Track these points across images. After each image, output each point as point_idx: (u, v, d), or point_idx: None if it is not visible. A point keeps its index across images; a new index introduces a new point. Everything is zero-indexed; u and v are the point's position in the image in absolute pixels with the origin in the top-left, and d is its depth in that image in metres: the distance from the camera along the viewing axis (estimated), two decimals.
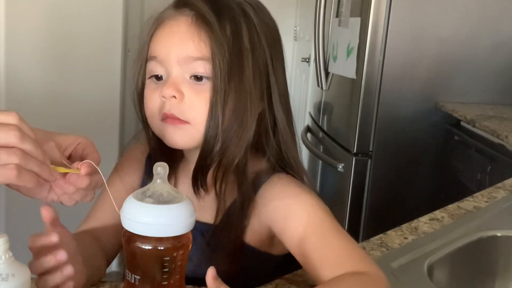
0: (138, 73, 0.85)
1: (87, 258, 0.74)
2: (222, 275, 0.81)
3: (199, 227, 0.82)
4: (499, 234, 0.99)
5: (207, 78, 0.77)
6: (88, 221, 0.87)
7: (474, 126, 1.92)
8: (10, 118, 0.63)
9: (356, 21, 2.22)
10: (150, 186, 0.62)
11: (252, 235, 0.82)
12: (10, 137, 0.61)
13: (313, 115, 2.98)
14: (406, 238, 0.93)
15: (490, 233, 0.98)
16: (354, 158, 2.21)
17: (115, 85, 2.40)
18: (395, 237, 0.94)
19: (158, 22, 0.82)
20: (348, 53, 2.27)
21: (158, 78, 0.80)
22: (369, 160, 2.21)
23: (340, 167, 2.30)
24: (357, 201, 2.22)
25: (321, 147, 2.69)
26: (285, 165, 0.85)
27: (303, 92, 3.37)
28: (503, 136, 1.73)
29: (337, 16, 2.48)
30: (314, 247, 0.75)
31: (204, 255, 0.81)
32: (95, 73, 2.35)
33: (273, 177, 0.83)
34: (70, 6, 2.26)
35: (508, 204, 1.13)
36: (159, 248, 0.60)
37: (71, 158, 0.72)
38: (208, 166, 0.80)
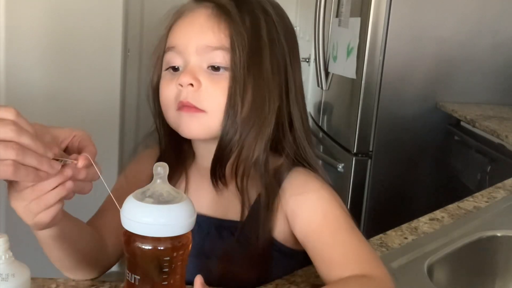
0: (154, 66, 0.85)
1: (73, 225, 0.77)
2: (253, 273, 0.81)
3: (227, 226, 0.82)
4: (499, 234, 0.99)
5: (224, 68, 0.78)
6: (92, 221, 0.87)
7: (474, 126, 1.91)
8: (7, 114, 0.62)
9: (356, 21, 2.22)
10: (150, 186, 0.62)
11: (279, 231, 0.82)
12: (7, 132, 0.61)
13: (313, 115, 2.97)
14: (406, 238, 0.93)
15: (490, 233, 0.98)
16: (354, 158, 2.21)
17: (115, 85, 2.40)
18: (395, 237, 0.93)
19: (177, 14, 0.83)
20: (348, 53, 2.27)
21: (175, 69, 0.81)
22: (369, 160, 2.20)
23: (340, 167, 2.29)
24: (357, 201, 2.22)
25: (321, 147, 2.69)
26: (302, 160, 0.85)
27: None
28: (503, 136, 1.73)
29: (337, 16, 2.47)
30: (325, 243, 0.76)
31: (235, 253, 0.81)
32: (95, 73, 2.35)
33: (293, 172, 0.83)
34: (70, 6, 2.27)
35: (508, 204, 1.13)
36: (159, 248, 0.60)
37: (67, 151, 0.71)
38: (226, 157, 0.80)
